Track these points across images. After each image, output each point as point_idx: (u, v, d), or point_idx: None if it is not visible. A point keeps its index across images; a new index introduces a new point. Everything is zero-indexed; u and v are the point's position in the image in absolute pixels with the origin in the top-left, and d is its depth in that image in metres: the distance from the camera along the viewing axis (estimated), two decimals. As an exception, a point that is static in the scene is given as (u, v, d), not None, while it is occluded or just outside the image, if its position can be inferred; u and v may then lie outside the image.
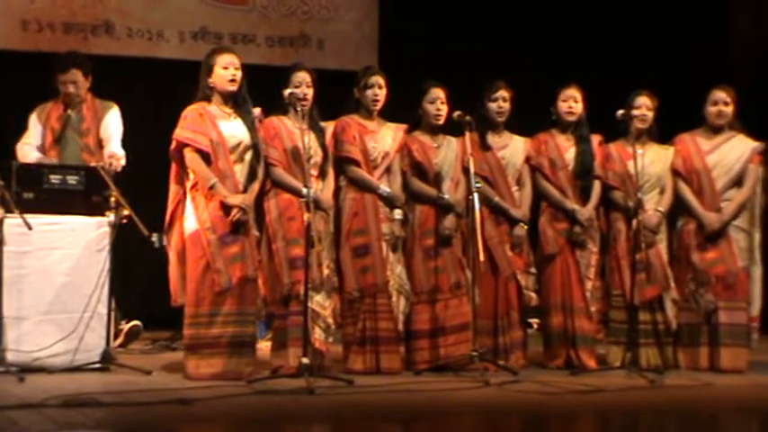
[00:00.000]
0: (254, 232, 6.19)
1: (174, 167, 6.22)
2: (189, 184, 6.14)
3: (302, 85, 6.30)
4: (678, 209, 6.95)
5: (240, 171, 6.15)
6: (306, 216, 5.89)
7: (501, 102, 6.83)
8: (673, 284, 6.85)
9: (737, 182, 6.90)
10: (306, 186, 6.04)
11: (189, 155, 6.10)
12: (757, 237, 6.90)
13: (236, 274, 6.04)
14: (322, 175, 6.38)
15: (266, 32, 9.12)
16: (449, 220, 6.61)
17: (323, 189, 6.34)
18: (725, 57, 9.41)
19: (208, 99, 6.21)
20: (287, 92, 6.25)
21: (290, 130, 6.33)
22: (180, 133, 6.12)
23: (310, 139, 6.19)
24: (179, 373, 6.12)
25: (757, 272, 6.89)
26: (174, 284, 6.16)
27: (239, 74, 6.19)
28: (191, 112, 6.16)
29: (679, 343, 6.88)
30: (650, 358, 6.79)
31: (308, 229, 5.89)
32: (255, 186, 6.18)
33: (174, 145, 6.16)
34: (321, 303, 6.25)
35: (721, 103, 6.93)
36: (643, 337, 6.78)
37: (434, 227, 6.61)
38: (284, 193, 6.27)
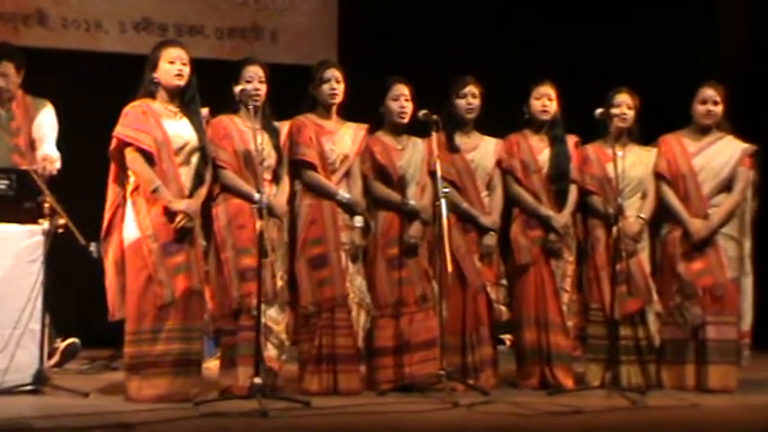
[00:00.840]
0: (201, 241, 6.18)
1: (113, 169, 6.19)
2: (129, 188, 6.12)
3: (254, 81, 6.31)
4: (662, 215, 6.98)
5: (186, 174, 6.14)
6: (258, 223, 5.92)
7: (470, 98, 6.86)
8: (656, 297, 6.88)
9: (726, 186, 6.93)
10: (258, 191, 6.02)
11: (130, 155, 6.08)
12: (748, 245, 6.93)
13: (180, 286, 6.03)
14: (276, 179, 6.39)
15: (215, 23, 9.12)
16: (414, 228, 6.63)
17: (276, 194, 6.35)
18: (713, 52, 9.49)
19: (152, 96, 6.20)
20: (238, 88, 6.26)
21: (241, 130, 6.33)
22: (121, 131, 6.10)
23: (263, 141, 6.19)
24: (119, 395, 6.10)
25: (748, 283, 6.92)
26: (113, 298, 6.14)
27: (187, 69, 6.19)
28: (133, 109, 6.14)
29: (663, 360, 6.90)
30: (632, 377, 6.82)
31: (261, 238, 5.90)
32: (202, 191, 6.17)
33: (114, 144, 6.13)
34: (274, 318, 6.26)
35: (710, 101, 6.97)
36: (624, 355, 6.80)
37: (398, 235, 6.64)
38: (234, 199, 6.27)
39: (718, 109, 6.99)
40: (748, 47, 9.74)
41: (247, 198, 6.20)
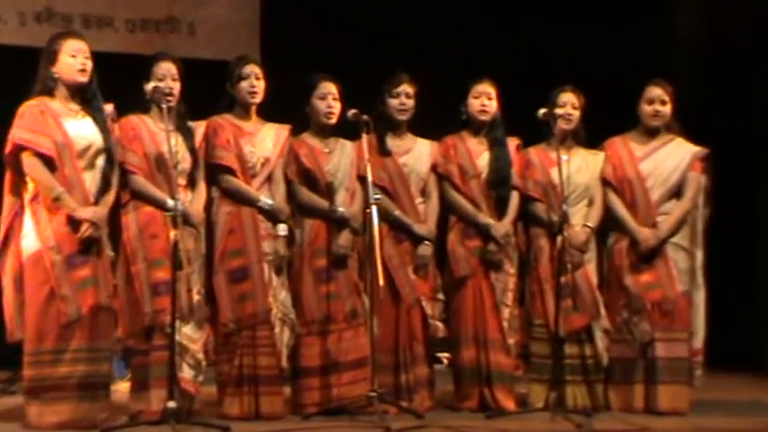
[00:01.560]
0: (109, 252, 6.15)
1: (8, 175, 6.12)
2: (28, 196, 6.04)
3: (167, 78, 6.29)
4: (608, 224, 7.01)
5: (91, 179, 6.08)
6: (171, 233, 5.89)
7: (404, 98, 6.86)
8: (603, 312, 6.91)
9: (676, 193, 6.98)
10: (171, 198, 6.00)
11: (27, 160, 6.00)
12: (699, 256, 6.97)
13: (86, 302, 5.97)
14: (191, 184, 6.36)
15: (126, 14, 9.07)
16: (343, 238, 6.63)
17: (192, 201, 6.32)
18: (662, 49, 9.59)
19: (50, 93, 6.12)
20: (149, 86, 6.23)
21: (153, 131, 6.30)
22: (16, 134, 6.02)
23: (177, 143, 6.17)
24: (18, 422, 6.03)
25: (700, 297, 6.96)
26: (10, 316, 6.05)
27: (90, 63, 6.12)
28: (29, 108, 6.06)
29: (610, 380, 6.92)
30: (578, 398, 6.85)
31: (175, 249, 5.87)
32: (109, 197, 6.12)
33: (8, 148, 6.05)
34: (190, 336, 6.23)
35: (657, 101, 7.01)
36: (569, 374, 6.83)
37: (326, 245, 6.63)
38: (145, 206, 6.24)
39: (667, 109, 7.02)
40: (700, 44, 9.86)
41: (160, 205, 6.17)
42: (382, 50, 8.82)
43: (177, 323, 6.00)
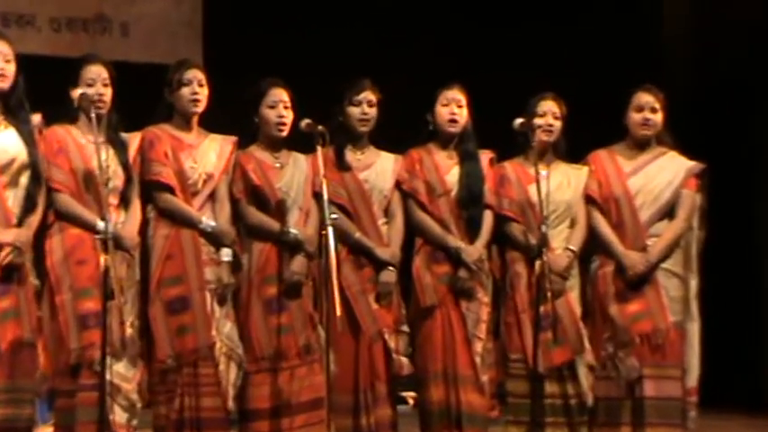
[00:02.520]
0: (33, 280, 6.12)
1: None
2: (-61, 217, 6.02)
3: (97, 84, 6.26)
4: (593, 247, 7.03)
5: (13, 198, 6.07)
6: (102, 258, 5.83)
7: (365, 106, 6.85)
8: (588, 346, 6.93)
9: (668, 212, 7.00)
10: (102, 219, 5.97)
11: (-61, 177, 6.01)
12: (694, 284, 7.00)
13: (5, 336, 5.94)
14: (124, 203, 6.34)
15: (50, 12, 9.08)
16: (296, 263, 6.61)
17: (125, 223, 6.30)
18: (652, 52, 9.64)
19: (-36, 102, 6.12)
20: (76, 92, 6.19)
21: (80, 143, 6.26)
22: (-73, 148, 6.01)
23: (108, 156, 6.16)
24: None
25: (694, 329, 6.97)
26: None
27: (12, 67, 6.09)
28: (-58, 120, 6.09)
29: (595, 422, 6.92)
30: (559, 442, 6.87)
31: (105, 276, 5.81)
32: (35, 219, 6.10)
33: None
34: (123, 375, 6.20)
35: (647, 109, 7.02)
36: (550, 415, 6.82)
37: (277, 272, 6.61)
38: (72, 228, 6.20)
39: (658, 118, 7.04)
40: (692, 43, 9.89)
41: (88, 227, 6.15)
42: (340, 53, 8.85)
43: (108, 360, 5.95)
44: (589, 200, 7.03)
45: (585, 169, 7.09)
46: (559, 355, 6.85)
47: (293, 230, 6.62)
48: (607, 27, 9.61)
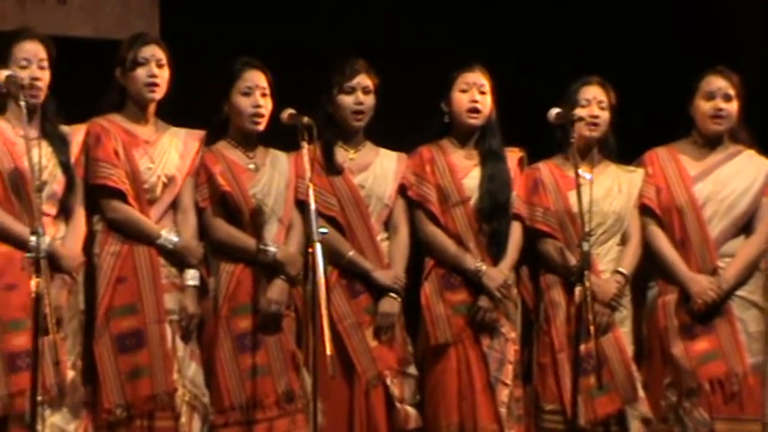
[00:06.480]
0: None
1: None
2: None
3: (32, 66, 6.35)
4: (649, 270, 7.12)
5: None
6: (33, 282, 5.85)
7: (360, 94, 6.93)
8: (642, 394, 7.00)
9: (744, 226, 7.10)
10: (34, 233, 5.90)
11: None
12: (777, 317, 7.05)
13: None
14: (64, 213, 6.41)
15: (-28, -21, 9.12)
16: (275, 289, 6.70)
17: (65, 237, 6.38)
18: (723, 27, 9.69)
19: None
20: (3, 74, 6.20)
21: (9, 139, 6.34)
22: None
23: (43, 155, 6.23)
24: None
25: (779, 373, 7.04)
26: None
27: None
28: None
29: (652, 489, 7.00)
30: None
31: (38, 305, 5.82)
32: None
33: None
34: (62, 428, 6.27)
35: (720, 96, 7.08)
36: (593, 480, 6.89)
37: (251, 300, 6.70)
38: (-2, 245, 6.23)
39: (732, 107, 7.11)
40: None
41: (17, 243, 6.21)
42: (329, 29, 8.77)
43: (41, 410, 6.01)
44: (645, 210, 7.12)
45: (640, 172, 7.17)
46: (605, 404, 6.95)
47: (271, 248, 6.70)
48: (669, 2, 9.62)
